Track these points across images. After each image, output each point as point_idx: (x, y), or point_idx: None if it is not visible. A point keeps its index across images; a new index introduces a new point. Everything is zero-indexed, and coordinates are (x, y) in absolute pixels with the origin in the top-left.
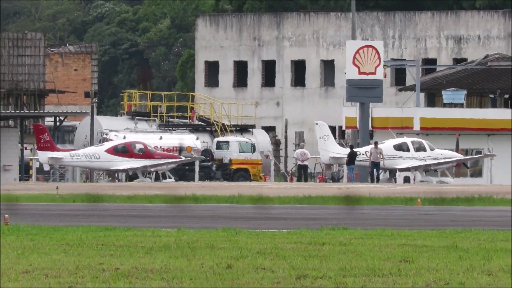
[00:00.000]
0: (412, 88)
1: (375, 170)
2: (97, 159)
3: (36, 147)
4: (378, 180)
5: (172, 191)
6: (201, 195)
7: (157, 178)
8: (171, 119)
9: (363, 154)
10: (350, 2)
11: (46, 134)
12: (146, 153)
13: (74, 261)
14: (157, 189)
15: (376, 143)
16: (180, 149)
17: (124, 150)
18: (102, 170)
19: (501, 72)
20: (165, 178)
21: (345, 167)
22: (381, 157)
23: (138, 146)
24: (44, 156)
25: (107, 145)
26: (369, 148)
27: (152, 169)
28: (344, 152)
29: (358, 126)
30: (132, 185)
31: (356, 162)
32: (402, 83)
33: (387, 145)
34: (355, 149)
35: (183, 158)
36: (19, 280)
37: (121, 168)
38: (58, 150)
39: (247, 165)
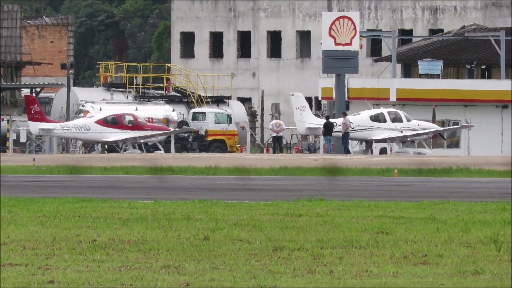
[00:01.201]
0: (388, 59)
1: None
2: (87, 131)
3: (27, 119)
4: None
5: (148, 162)
6: (177, 166)
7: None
8: (147, 91)
9: (339, 125)
10: None
11: (37, 105)
12: (136, 125)
13: (51, 232)
14: (134, 160)
15: (343, 113)
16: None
17: (114, 122)
18: (92, 141)
19: (477, 43)
20: (156, 150)
21: (321, 138)
22: (347, 127)
23: (128, 118)
24: (35, 127)
25: (98, 116)
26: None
27: (141, 141)
28: (320, 123)
29: (334, 97)
30: (109, 156)
31: (332, 133)
32: (378, 54)
33: (363, 116)
34: (331, 120)
35: (172, 130)
36: None
37: (110, 139)
38: (49, 121)
39: (224, 136)
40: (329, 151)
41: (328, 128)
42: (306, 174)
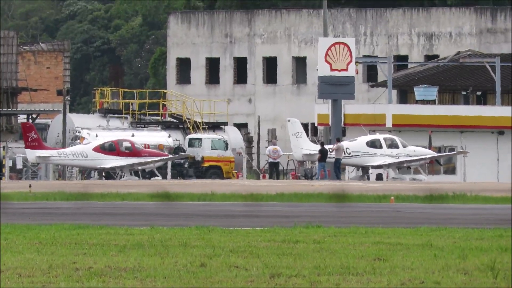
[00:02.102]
0: (384, 84)
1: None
2: (85, 158)
3: (24, 146)
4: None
5: (145, 189)
6: (173, 192)
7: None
8: (143, 117)
9: (332, 151)
10: None
11: (34, 132)
12: (133, 151)
13: (47, 260)
14: (130, 187)
15: (337, 139)
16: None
17: (111, 148)
18: (89, 168)
19: (473, 69)
20: (153, 176)
21: (317, 164)
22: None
23: (125, 144)
24: (32, 155)
25: (95, 143)
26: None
27: (139, 167)
28: (317, 149)
29: (330, 123)
30: (105, 183)
31: (328, 159)
32: (374, 79)
33: (360, 142)
34: (326, 146)
35: (170, 156)
36: None
37: (108, 166)
38: (46, 148)
39: (220, 162)
40: (325, 177)
41: (323, 154)
42: (311, 200)
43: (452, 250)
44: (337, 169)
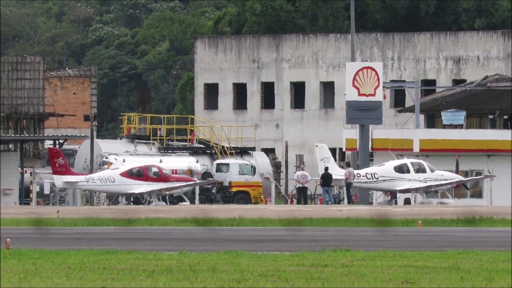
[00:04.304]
0: (411, 109)
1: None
2: (112, 183)
3: (52, 172)
4: (349, 201)
5: (172, 214)
6: (201, 218)
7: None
8: (170, 142)
9: (363, 176)
10: (349, 24)
11: (61, 158)
12: (161, 177)
13: (76, 284)
14: (157, 212)
15: (348, 164)
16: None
17: (139, 174)
18: (117, 193)
19: (500, 93)
20: (181, 201)
21: (345, 189)
22: (352, 178)
23: (153, 170)
24: (59, 180)
25: (122, 168)
26: (369, 169)
27: (167, 192)
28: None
29: (358, 148)
30: (131, 208)
31: (356, 184)
32: (402, 104)
33: (388, 166)
34: (356, 171)
35: (197, 181)
36: None
37: (136, 191)
38: (73, 173)
39: (248, 187)
40: (331, 201)
41: (325, 179)
42: (330, 225)
43: (479, 273)
44: (348, 193)
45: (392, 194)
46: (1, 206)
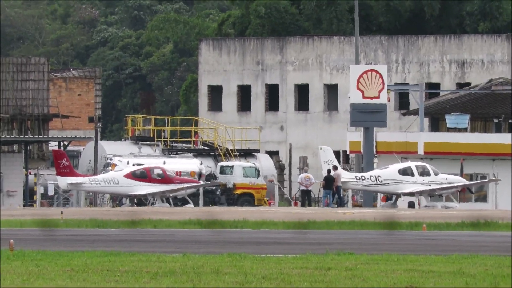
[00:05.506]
0: (415, 112)
1: (337, 194)
2: (116, 184)
3: (56, 173)
4: (339, 204)
5: (176, 216)
6: (205, 220)
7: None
8: (174, 144)
9: (367, 179)
10: (353, 26)
11: (65, 159)
12: (165, 178)
13: (79, 286)
14: (161, 214)
15: (335, 167)
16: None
17: (143, 175)
18: (120, 195)
19: (505, 97)
20: (185, 203)
21: (350, 191)
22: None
23: (157, 171)
24: (63, 182)
25: (126, 169)
26: (374, 172)
27: (171, 194)
28: (349, 176)
29: (362, 151)
30: (135, 210)
31: (360, 187)
32: (406, 107)
33: (392, 169)
34: (360, 174)
35: (202, 183)
36: None
37: (140, 193)
38: (77, 175)
39: (252, 189)
40: (330, 205)
41: (327, 182)
42: (334, 228)
43: (484, 278)
44: (339, 196)
45: (388, 198)
46: (6, 208)
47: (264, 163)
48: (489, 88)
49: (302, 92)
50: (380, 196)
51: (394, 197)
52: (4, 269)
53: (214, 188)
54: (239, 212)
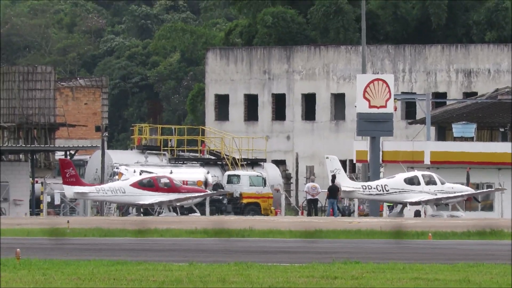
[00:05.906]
0: (422, 121)
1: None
2: (123, 193)
3: (62, 182)
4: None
5: (183, 225)
6: (212, 228)
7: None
8: (181, 153)
9: (374, 188)
10: (360, 35)
11: (72, 168)
12: (171, 187)
13: None
14: (168, 223)
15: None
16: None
17: (150, 184)
18: (127, 204)
19: (511, 106)
20: (192, 212)
21: (356, 201)
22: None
23: (164, 180)
24: (70, 191)
25: (133, 179)
26: (380, 181)
27: (177, 203)
28: (356, 186)
29: (368, 160)
30: (141, 219)
31: (366, 196)
32: (412, 116)
33: (398, 178)
34: (365, 183)
35: (208, 192)
36: None
37: (146, 202)
38: (84, 184)
39: (258, 199)
40: (334, 214)
41: (332, 191)
42: (341, 237)
43: (490, 286)
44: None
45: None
46: (12, 217)
47: (271, 172)
48: (495, 97)
49: (309, 101)
50: (386, 205)
51: (400, 206)
52: (10, 278)
53: (220, 197)
54: (245, 221)
